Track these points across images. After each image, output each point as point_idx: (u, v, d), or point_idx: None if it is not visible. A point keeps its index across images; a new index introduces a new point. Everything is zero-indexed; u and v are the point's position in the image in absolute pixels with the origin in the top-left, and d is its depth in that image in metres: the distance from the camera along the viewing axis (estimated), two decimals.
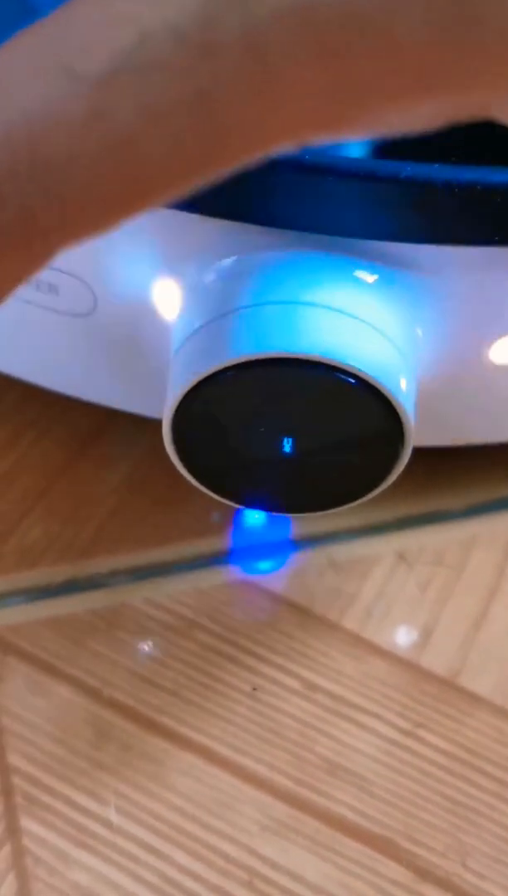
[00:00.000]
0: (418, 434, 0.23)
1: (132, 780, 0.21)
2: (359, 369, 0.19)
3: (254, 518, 0.25)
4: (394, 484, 0.25)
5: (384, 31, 0.11)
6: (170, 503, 0.26)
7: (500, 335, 0.21)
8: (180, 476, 0.22)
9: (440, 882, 0.21)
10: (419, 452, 0.25)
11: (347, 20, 0.11)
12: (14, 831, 0.21)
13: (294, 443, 0.20)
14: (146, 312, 0.21)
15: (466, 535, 0.26)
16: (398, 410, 0.19)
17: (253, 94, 0.11)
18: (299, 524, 0.26)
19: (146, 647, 0.24)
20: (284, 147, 0.13)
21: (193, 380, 0.19)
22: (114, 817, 0.21)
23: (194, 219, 0.19)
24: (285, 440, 0.20)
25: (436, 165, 0.19)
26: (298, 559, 0.25)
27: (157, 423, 0.21)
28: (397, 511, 0.26)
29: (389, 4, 0.11)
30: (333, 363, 0.19)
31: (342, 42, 0.11)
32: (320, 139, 0.12)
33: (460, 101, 0.11)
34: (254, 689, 0.23)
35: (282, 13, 0.11)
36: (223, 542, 0.25)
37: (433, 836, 0.21)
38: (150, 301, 0.21)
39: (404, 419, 0.19)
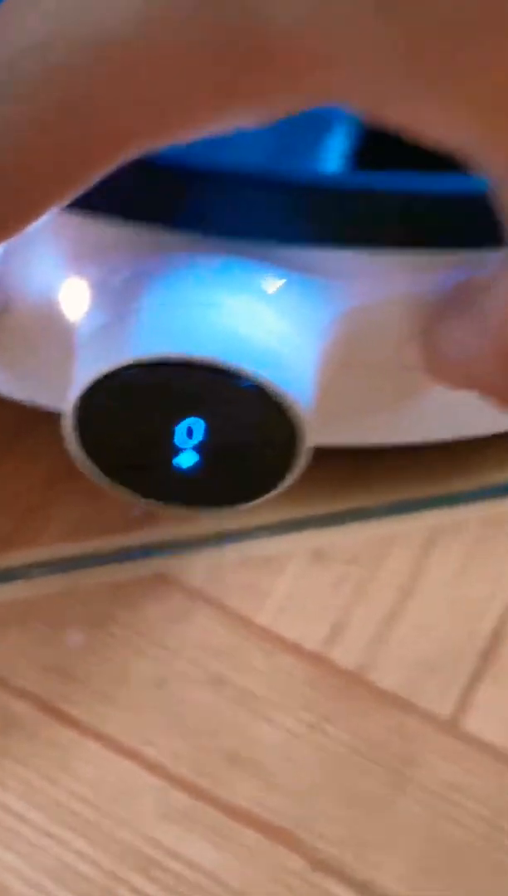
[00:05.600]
0: (329, 434, 0.23)
1: (35, 767, 0.22)
2: (255, 373, 0.20)
3: (172, 514, 0.26)
4: (314, 481, 0.25)
5: (170, 57, 0.11)
6: (91, 498, 0.26)
7: (403, 338, 0.22)
8: None
9: (335, 872, 0.21)
10: (338, 452, 0.26)
11: (139, 51, 0.11)
12: None
13: (197, 441, 0.21)
14: (55, 312, 0.21)
15: (383, 533, 0.26)
16: (292, 414, 0.20)
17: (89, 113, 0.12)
18: (217, 521, 0.26)
19: (61, 638, 0.24)
20: (132, 152, 0.13)
21: (91, 378, 0.20)
22: (14, 803, 0.21)
23: (97, 221, 0.20)
24: (188, 438, 0.21)
25: (333, 171, 0.19)
26: (214, 555, 0.26)
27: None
28: (315, 509, 0.27)
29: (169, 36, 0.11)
30: (229, 367, 0.19)
31: (134, 66, 0.12)
32: (155, 145, 0.13)
33: (254, 107, 0.12)
34: (163, 679, 0.24)
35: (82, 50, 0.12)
36: (141, 537, 0.26)
37: (331, 827, 0.22)
38: (58, 301, 0.21)
39: (298, 422, 0.20)
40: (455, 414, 0.25)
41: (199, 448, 0.21)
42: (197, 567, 0.26)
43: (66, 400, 0.20)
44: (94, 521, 0.26)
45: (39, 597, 0.25)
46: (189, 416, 0.20)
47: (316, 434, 0.21)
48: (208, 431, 0.21)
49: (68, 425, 0.21)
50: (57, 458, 0.27)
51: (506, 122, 0.12)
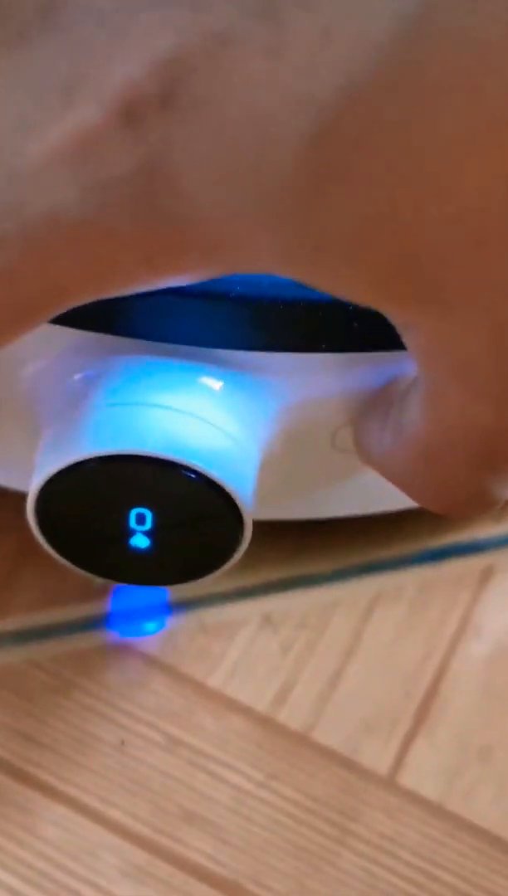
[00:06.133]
0: (274, 510, 0.25)
1: (3, 829, 0.24)
2: (200, 466, 0.21)
3: (131, 586, 0.28)
4: (264, 549, 0.27)
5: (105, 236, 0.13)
6: (54, 571, 0.28)
7: (336, 426, 0.24)
8: None
9: None
10: (284, 524, 0.28)
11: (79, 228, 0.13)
12: None
13: (150, 526, 0.23)
14: (19, 406, 0.23)
15: (329, 598, 0.28)
16: (236, 500, 0.22)
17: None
18: (173, 590, 0.28)
19: (26, 705, 0.26)
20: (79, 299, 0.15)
21: (51, 471, 0.22)
22: None
23: (56, 329, 0.22)
24: (141, 524, 0.23)
25: (265, 283, 0.21)
26: (171, 623, 0.28)
27: None
28: (266, 576, 0.29)
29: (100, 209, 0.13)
30: (176, 460, 0.21)
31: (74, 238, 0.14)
32: (104, 294, 0.15)
33: (174, 276, 0.14)
34: (122, 742, 0.25)
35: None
36: (103, 607, 0.28)
37: (278, 879, 0.24)
38: (21, 397, 0.23)
39: (241, 507, 0.22)
40: (389, 488, 0.27)
41: (150, 533, 0.23)
42: (155, 635, 0.27)
43: (28, 488, 0.22)
44: (56, 593, 0.28)
45: (5, 665, 0.26)
46: (140, 504, 0.22)
47: (261, 510, 0.23)
48: (158, 518, 0.22)
49: (30, 512, 0.22)
50: (20, 535, 0.29)
51: (394, 290, 0.14)
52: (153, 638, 0.27)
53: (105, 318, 0.22)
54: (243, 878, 0.24)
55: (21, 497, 0.28)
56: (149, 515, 0.22)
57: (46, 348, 0.22)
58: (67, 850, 0.24)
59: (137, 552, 0.23)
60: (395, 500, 0.28)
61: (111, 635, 0.27)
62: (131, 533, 0.23)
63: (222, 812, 0.24)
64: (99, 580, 0.28)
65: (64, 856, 0.24)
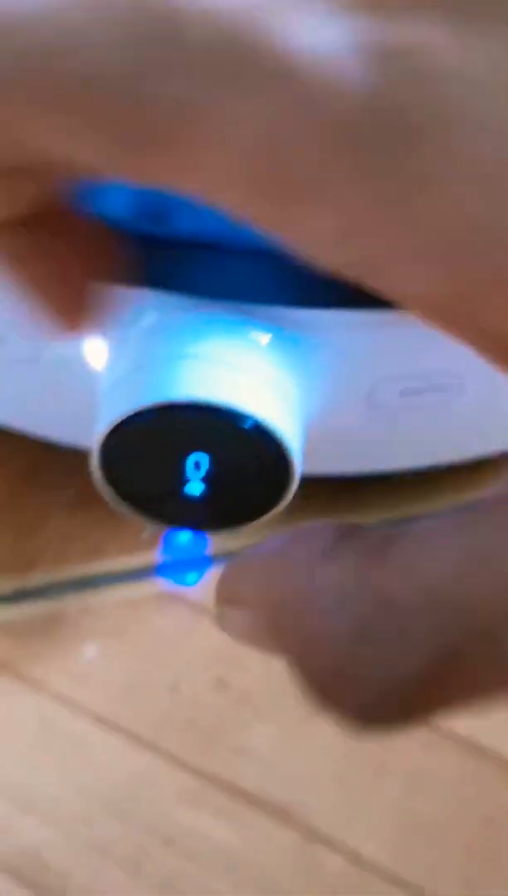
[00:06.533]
0: (315, 464, 0.27)
1: (62, 758, 0.25)
2: (256, 413, 0.23)
3: (179, 537, 0.29)
4: (308, 502, 0.29)
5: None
6: (106, 524, 0.29)
7: (373, 383, 0.25)
8: None
9: (327, 841, 0.25)
10: (318, 480, 0.29)
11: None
12: None
13: (205, 472, 0.24)
14: (81, 362, 0.25)
15: None
16: (286, 448, 0.23)
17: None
18: (217, 541, 0.29)
19: (81, 648, 0.27)
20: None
21: (116, 419, 0.23)
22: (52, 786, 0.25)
23: (118, 286, 0.23)
24: (196, 471, 0.24)
25: None
26: (216, 572, 0.29)
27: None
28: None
29: None
30: (234, 408, 0.23)
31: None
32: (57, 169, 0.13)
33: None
34: (175, 685, 0.27)
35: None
36: (152, 557, 0.29)
37: (323, 806, 0.25)
38: (82, 353, 0.25)
39: (290, 455, 0.23)
40: (419, 446, 0.29)
41: (204, 479, 0.24)
42: (201, 583, 0.29)
43: (92, 438, 0.24)
44: (108, 545, 0.29)
45: (61, 612, 0.28)
46: (197, 451, 0.24)
47: (305, 465, 0.25)
48: (213, 465, 0.24)
49: (95, 461, 0.24)
50: (74, 490, 0.30)
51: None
52: (199, 587, 0.29)
53: (164, 276, 0.23)
54: (292, 804, 0.25)
55: (73, 454, 0.30)
56: (205, 462, 0.24)
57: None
58: (126, 777, 0.25)
59: (192, 498, 0.25)
60: (426, 456, 0.29)
61: (160, 584, 0.29)
62: (187, 480, 0.24)
63: (272, 746, 0.26)
64: (148, 532, 0.30)
65: (123, 782, 0.25)
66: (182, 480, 0.24)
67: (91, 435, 0.25)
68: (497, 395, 0.27)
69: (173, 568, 0.29)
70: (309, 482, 0.28)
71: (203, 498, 0.25)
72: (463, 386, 0.26)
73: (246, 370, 0.24)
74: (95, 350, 0.25)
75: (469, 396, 0.27)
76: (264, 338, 0.24)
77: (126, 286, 0.23)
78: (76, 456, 0.26)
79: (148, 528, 0.29)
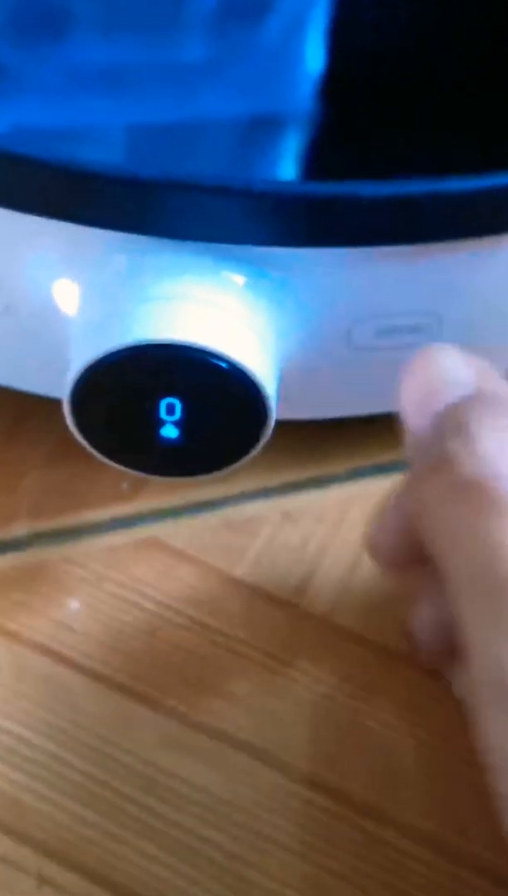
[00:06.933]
0: (292, 409, 0.27)
1: (47, 707, 0.25)
2: (229, 354, 0.23)
3: (158, 485, 0.29)
4: (282, 453, 0.29)
5: None
6: (85, 475, 0.29)
7: (351, 322, 0.25)
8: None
9: (309, 781, 0.25)
10: (301, 425, 0.29)
11: None
12: None
13: (179, 416, 0.24)
14: (51, 309, 0.25)
15: (344, 496, 0.30)
16: (261, 387, 0.23)
17: None
18: (199, 490, 0.29)
19: (64, 598, 0.27)
20: None
21: (87, 362, 0.23)
22: (26, 733, 0.25)
23: (86, 230, 0.23)
24: (171, 414, 0.24)
25: (286, 180, 0.23)
26: (197, 521, 0.29)
27: None
28: (284, 477, 0.30)
29: None
30: (206, 349, 0.23)
31: None
32: None
33: None
34: (155, 629, 0.27)
35: None
36: (131, 508, 0.29)
37: (306, 748, 0.25)
38: (52, 299, 0.24)
39: (265, 394, 0.23)
40: (393, 388, 0.28)
41: (179, 423, 0.24)
42: (181, 532, 0.29)
43: (63, 386, 0.24)
44: (88, 495, 0.29)
45: (43, 562, 0.28)
46: (170, 394, 0.24)
47: (281, 410, 0.25)
48: (187, 408, 0.24)
49: (66, 408, 0.24)
50: (53, 442, 0.30)
51: None
52: (179, 535, 0.29)
53: (135, 217, 0.23)
54: (274, 746, 0.25)
55: (50, 404, 0.29)
56: (178, 405, 0.24)
57: (76, 249, 0.24)
58: (106, 722, 0.25)
59: (167, 443, 0.24)
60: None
61: (140, 533, 0.29)
62: (162, 423, 0.24)
63: (251, 689, 0.26)
64: (127, 483, 0.30)
65: (103, 728, 0.25)
66: (156, 425, 0.24)
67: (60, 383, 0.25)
68: (473, 333, 0.27)
69: (153, 517, 0.29)
70: (284, 427, 0.28)
71: (178, 443, 0.24)
72: (441, 325, 0.26)
73: (219, 311, 0.23)
74: (65, 295, 0.24)
75: (445, 336, 0.27)
76: (238, 278, 0.24)
77: (95, 229, 0.23)
78: (55, 408, 0.26)
79: (127, 479, 0.29)
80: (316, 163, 0.25)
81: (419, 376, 0.23)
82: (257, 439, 0.24)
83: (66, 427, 0.30)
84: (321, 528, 0.29)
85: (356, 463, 0.30)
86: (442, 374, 0.22)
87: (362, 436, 0.31)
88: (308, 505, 0.30)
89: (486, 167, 0.23)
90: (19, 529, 0.29)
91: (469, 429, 0.20)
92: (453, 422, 0.21)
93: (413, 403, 0.22)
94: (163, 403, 0.24)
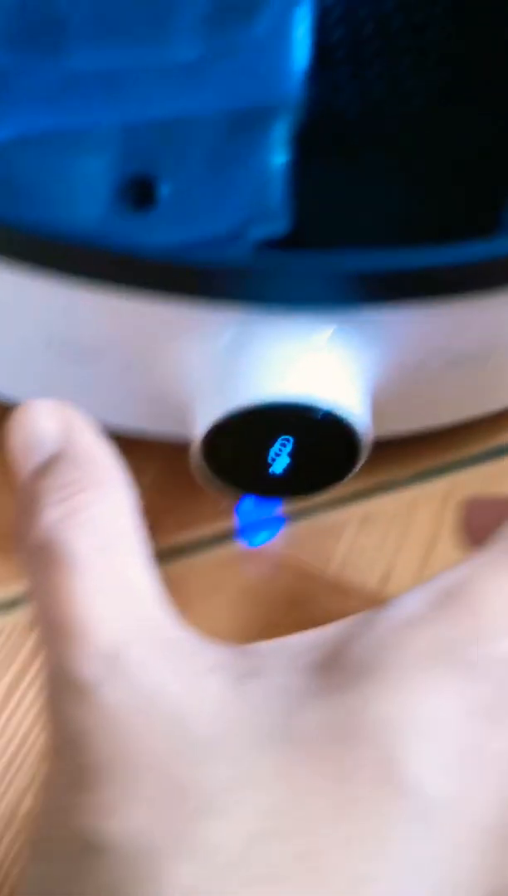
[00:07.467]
0: (377, 428, 0.31)
1: None
2: (330, 406, 0.27)
3: (253, 502, 0.34)
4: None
5: None
6: (187, 499, 0.34)
7: (425, 355, 0.30)
8: (192, 478, 0.30)
9: None
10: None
11: None
12: None
13: (288, 453, 0.29)
14: (171, 371, 0.29)
15: (410, 498, 0.35)
16: (356, 431, 0.28)
17: None
18: (287, 503, 0.34)
19: (185, 605, 0.32)
20: None
21: (214, 420, 0.27)
22: None
23: (201, 305, 0.28)
24: (282, 452, 0.29)
25: (368, 253, 0.27)
26: (288, 530, 0.34)
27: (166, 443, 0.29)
28: (356, 486, 0.35)
29: None
30: (312, 403, 0.27)
31: None
32: None
33: None
34: (263, 627, 0.32)
35: None
36: (231, 523, 0.34)
37: None
38: (172, 364, 0.29)
39: (359, 435, 0.28)
40: (454, 404, 0.33)
41: (289, 457, 0.29)
42: (276, 541, 0.33)
43: (194, 437, 0.28)
44: (191, 516, 0.34)
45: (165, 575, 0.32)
46: (283, 436, 0.28)
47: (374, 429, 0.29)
48: (296, 447, 0.28)
49: (197, 456, 0.28)
50: (155, 472, 0.35)
51: None
52: (275, 544, 0.33)
53: (249, 296, 0.27)
54: None
55: (148, 445, 0.34)
56: (289, 445, 0.28)
57: (194, 323, 0.28)
58: None
59: (278, 474, 0.29)
60: (465, 410, 0.34)
61: (241, 545, 0.33)
62: (275, 459, 0.29)
63: None
64: (224, 503, 0.34)
65: None
66: (270, 461, 0.29)
67: (169, 425, 0.29)
68: None
69: (253, 529, 0.34)
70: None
71: (287, 473, 0.29)
72: (496, 352, 0.31)
73: (319, 365, 0.28)
74: (186, 359, 0.29)
75: (497, 358, 0.31)
76: (328, 336, 0.28)
77: (208, 304, 0.28)
78: (149, 443, 0.31)
79: (224, 499, 0.34)
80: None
81: (15, 435, 0.23)
82: (351, 468, 0.29)
83: (163, 459, 0.35)
84: (394, 528, 0.34)
85: (417, 468, 0.35)
86: (30, 435, 0.23)
87: (418, 441, 0.36)
88: (381, 509, 0.34)
89: None
90: None
91: (35, 504, 0.22)
92: (25, 494, 0.22)
93: (14, 461, 0.23)
94: (277, 444, 0.28)
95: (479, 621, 0.19)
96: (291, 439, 0.28)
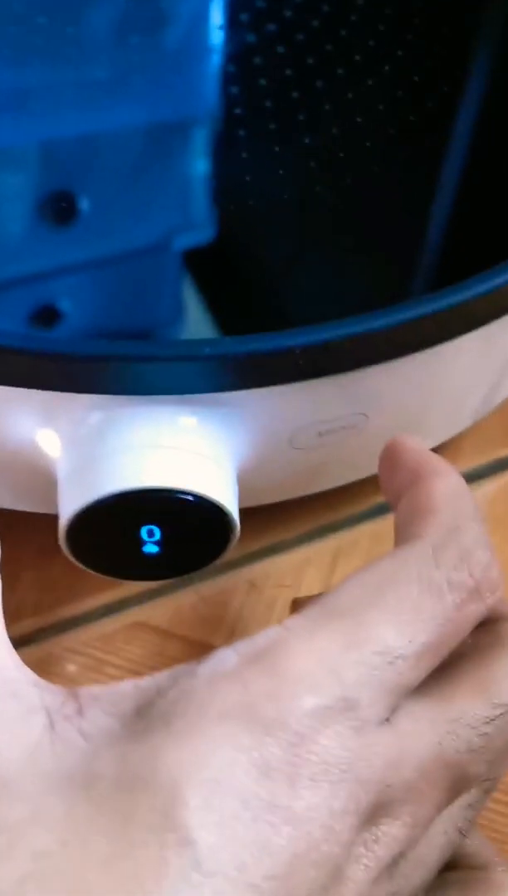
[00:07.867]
0: (249, 499, 0.31)
1: None
2: (196, 490, 0.27)
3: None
4: (240, 530, 0.33)
5: None
6: (74, 569, 0.33)
7: (294, 432, 0.29)
8: None
9: None
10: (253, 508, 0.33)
11: None
12: None
13: (158, 539, 0.28)
14: (35, 453, 0.29)
15: (298, 559, 0.34)
16: (225, 510, 0.28)
17: None
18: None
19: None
20: None
21: (76, 509, 0.27)
22: None
23: (63, 395, 0.27)
24: (151, 536, 0.28)
25: (223, 340, 0.27)
26: (175, 598, 0.34)
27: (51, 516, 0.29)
28: (244, 549, 0.35)
29: None
30: (177, 489, 0.27)
31: None
32: None
33: None
34: None
35: None
36: (119, 592, 0.33)
37: None
38: (36, 447, 0.28)
39: (229, 514, 0.28)
40: (332, 470, 0.33)
41: (158, 542, 0.28)
42: (164, 611, 0.33)
43: (58, 524, 0.28)
44: (79, 587, 0.34)
45: (49, 655, 0.32)
46: (149, 522, 0.28)
47: (242, 501, 0.29)
48: (164, 531, 0.28)
49: (63, 541, 0.28)
50: (44, 540, 0.34)
51: None
52: (163, 613, 0.33)
53: (106, 383, 0.27)
54: None
55: (37, 514, 0.33)
56: (157, 531, 0.28)
57: (57, 408, 0.28)
58: None
59: (148, 558, 0.29)
60: (342, 477, 0.34)
61: (127, 618, 0.33)
62: (144, 544, 0.28)
63: None
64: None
65: None
66: (139, 546, 0.28)
67: (44, 503, 0.29)
68: (396, 417, 0.31)
69: (137, 601, 0.33)
70: (242, 511, 0.32)
71: (157, 557, 0.29)
72: (367, 420, 0.31)
73: (181, 451, 0.28)
74: (48, 444, 0.28)
75: (373, 422, 0.31)
76: (194, 420, 0.28)
77: (72, 394, 0.27)
78: (33, 516, 0.30)
79: None
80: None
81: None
82: (224, 548, 0.29)
83: (45, 532, 0.35)
84: (282, 592, 0.34)
85: (305, 528, 0.35)
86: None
87: (306, 503, 0.35)
88: (269, 572, 0.34)
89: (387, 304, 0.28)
90: (22, 627, 0.33)
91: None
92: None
93: None
94: (144, 530, 0.28)
95: (281, 681, 0.20)
96: (159, 526, 0.28)
